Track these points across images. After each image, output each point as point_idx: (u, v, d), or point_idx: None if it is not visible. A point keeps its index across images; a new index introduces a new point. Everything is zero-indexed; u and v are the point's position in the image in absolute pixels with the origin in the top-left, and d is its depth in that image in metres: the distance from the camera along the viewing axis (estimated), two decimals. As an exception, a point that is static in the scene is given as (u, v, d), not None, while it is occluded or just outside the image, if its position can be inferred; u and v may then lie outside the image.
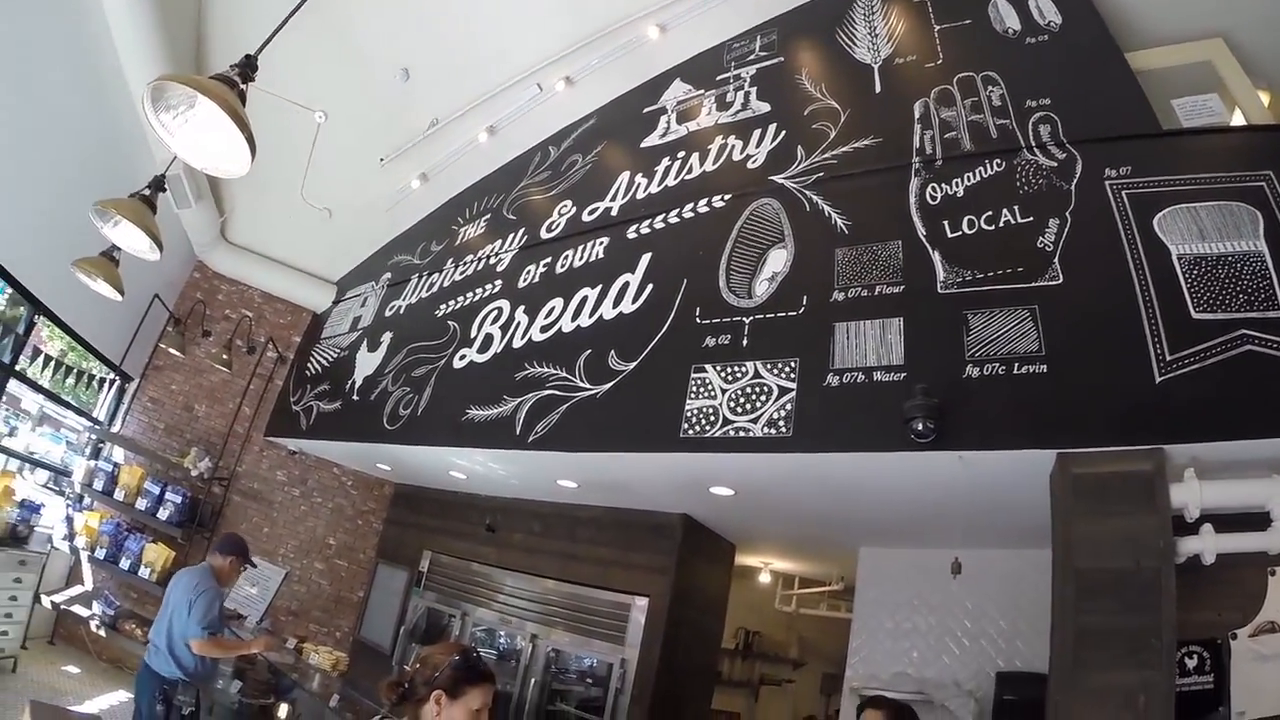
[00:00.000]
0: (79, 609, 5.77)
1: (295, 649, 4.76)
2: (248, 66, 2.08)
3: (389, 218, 6.85)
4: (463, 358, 4.95)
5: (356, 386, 6.07)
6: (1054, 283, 2.64)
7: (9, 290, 5.10)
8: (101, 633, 5.68)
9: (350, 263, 7.46)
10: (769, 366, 3.13)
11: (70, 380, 6.35)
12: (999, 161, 3.05)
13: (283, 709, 4.13)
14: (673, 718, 4.47)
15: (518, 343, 4.53)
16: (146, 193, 3.15)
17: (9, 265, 4.71)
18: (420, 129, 5.69)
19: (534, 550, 5.35)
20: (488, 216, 5.90)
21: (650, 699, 4.24)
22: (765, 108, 4.22)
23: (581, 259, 4.54)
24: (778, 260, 3.44)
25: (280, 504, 7.02)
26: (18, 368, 5.38)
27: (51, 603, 5.66)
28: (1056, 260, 2.67)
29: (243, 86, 2.04)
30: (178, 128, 2.06)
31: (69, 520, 6.13)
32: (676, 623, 4.43)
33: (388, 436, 5.27)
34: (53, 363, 6.01)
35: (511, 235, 5.38)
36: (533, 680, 4.75)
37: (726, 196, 3.94)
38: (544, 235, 5.02)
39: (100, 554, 5.94)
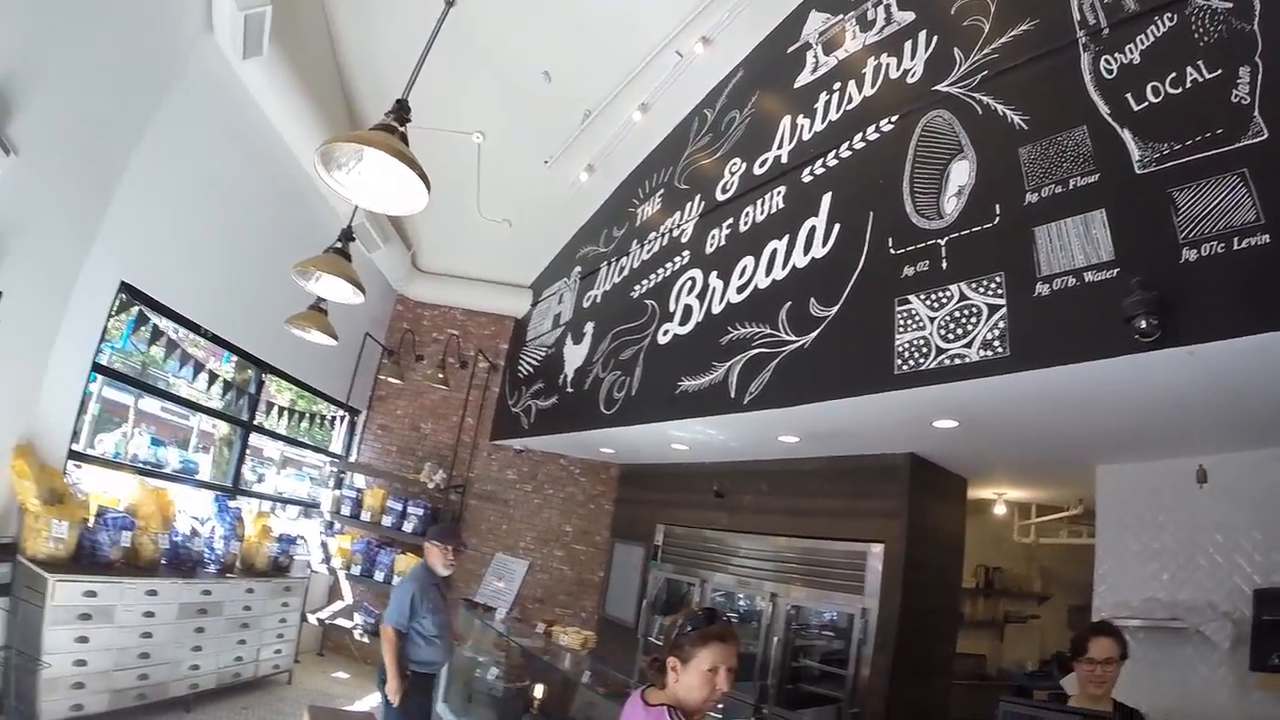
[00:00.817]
0: (342, 621, 7.24)
1: (544, 632, 5.32)
2: (402, 110, 2.46)
3: (567, 214, 7.66)
4: (666, 333, 5.46)
5: (569, 379, 6.87)
6: (1258, 139, 2.53)
7: (234, 359, 6.66)
8: (365, 639, 7.10)
9: (540, 264, 8.42)
10: (973, 286, 3.24)
11: (304, 423, 8.01)
12: (1169, 15, 2.92)
13: (538, 688, 4.55)
14: (917, 665, 4.65)
15: (717, 308, 4.93)
16: (339, 245, 3.82)
17: (232, 338, 6.00)
18: (575, 124, 6.28)
19: (763, 510, 5.81)
20: (661, 192, 6.41)
21: (894, 647, 4.46)
22: (909, 17, 4.29)
23: (763, 213, 4.87)
24: (961, 173, 3.54)
25: (514, 501, 8.15)
26: (256, 422, 6.89)
27: (317, 620, 7.17)
28: (1256, 113, 2.55)
29: (401, 129, 2.40)
30: (352, 181, 2.47)
31: (324, 546, 7.61)
32: (914, 566, 4.61)
33: (606, 421, 5.93)
34: (285, 412, 7.63)
35: (688, 204, 5.85)
36: (775, 639, 5.18)
37: (893, 118, 4.07)
38: (720, 198, 5.42)
39: (355, 570, 7.42)
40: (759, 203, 4.97)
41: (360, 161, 2.43)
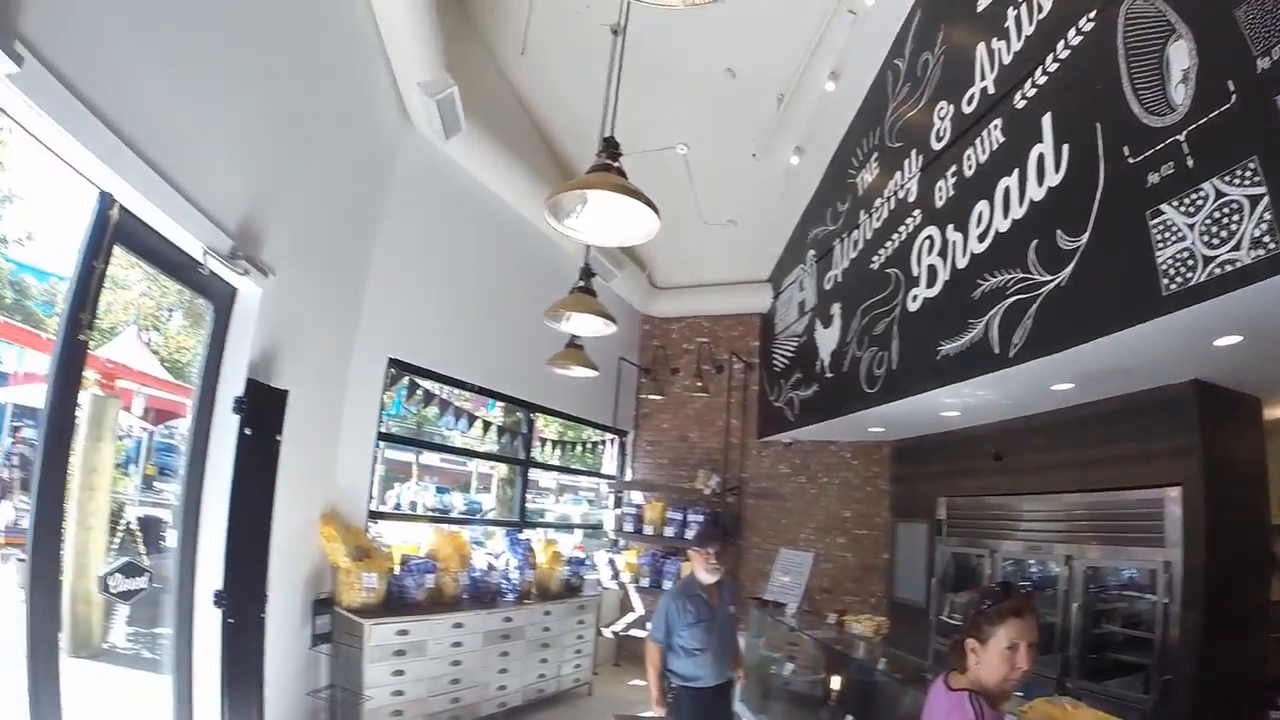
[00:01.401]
0: (635, 632, 8.04)
1: (836, 622, 5.50)
2: (611, 146, 2.70)
3: (787, 200, 7.95)
4: (915, 299, 5.52)
5: (825, 364, 7.10)
6: None
7: (500, 405, 7.80)
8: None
9: (772, 256, 8.82)
10: (1226, 179, 3.05)
11: (576, 451, 9.20)
12: None
13: (834, 680, 4.75)
14: (1230, 619, 4.33)
15: (961, 262, 4.92)
16: (581, 284, 4.28)
17: (496, 386, 7.00)
18: (771, 110, 6.55)
19: (1045, 468, 5.65)
20: (875, 155, 6.47)
21: (1202, 601, 4.20)
22: (1072, -95, 3.98)
23: (984, 152, 4.80)
24: (1180, 55, 3.34)
25: (790, 494, 8.58)
26: (531, 458, 7.92)
27: (611, 633, 8.06)
28: None
29: (616, 164, 2.63)
30: (584, 224, 2.76)
31: (611, 563, 8.47)
32: (1217, 506, 4.33)
33: (870, 400, 6.08)
34: (556, 444, 8.83)
35: (906, 161, 5.88)
36: (1074, 605, 5.01)
37: (1091, 15, 3.90)
38: (936, 146, 5.41)
39: (644, 583, 8.21)
40: (977, 142, 4.89)
41: (584, 205, 2.73)
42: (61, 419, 2.95)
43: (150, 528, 6.64)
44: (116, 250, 3.13)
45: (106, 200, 3.02)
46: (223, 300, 4.13)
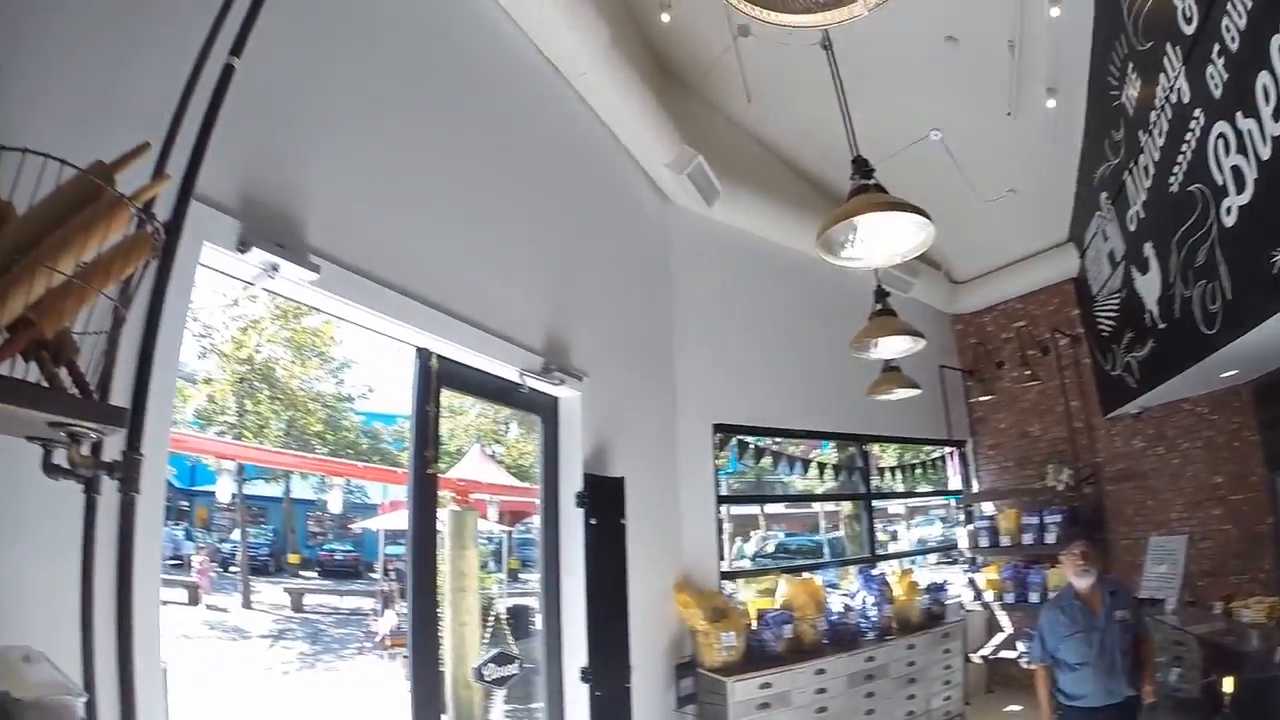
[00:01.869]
0: (1005, 654, 7.68)
1: (1223, 611, 5.10)
2: (861, 165, 2.83)
3: (1058, 147, 7.72)
4: (1228, 211, 5.01)
5: (1154, 315, 6.57)
6: None
7: (832, 445, 8.11)
8: (1031, 667, 7.49)
9: (1064, 211, 8.64)
10: None
11: (916, 473, 9.25)
12: None
13: (1227, 682, 4.42)
14: None
15: (1264, 151, 4.44)
16: (879, 307, 4.38)
17: (822, 427, 7.39)
18: (1006, 61, 6.39)
19: None
20: (1130, 65, 6.08)
21: None
22: None
23: (1240, 14, 4.39)
24: None
25: (1151, 471, 7.89)
26: (873, 490, 8.05)
27: (980, 658, 7.76)
28: None
29: (872, 181, 2.75)
30: (860, 251, 2.86)
31: (971, 582, 8.27)
32: None
33: (1212, 342, 5.57)
34: (895, 470, 8.95)
35: (1164, 60, 5.48)
36: None
37: None
38: (1188, 29, 5.03)
39: (1008, 599, 7.88)
40: (1229, 6, 4.46)
41: (856, 231, 2.84)
42: (424, 538, 3.75)
43: (519, 615, 7.74)
44: (444, 391, 3.89)
45: (424, 354, 3.81)
46: (547, 410, 4.85)
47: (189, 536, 18.83)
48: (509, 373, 4.30)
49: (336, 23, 3.41)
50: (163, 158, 2.02)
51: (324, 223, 3.15)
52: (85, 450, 1.64)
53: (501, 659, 4.32)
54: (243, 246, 2.70)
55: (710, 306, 6.71)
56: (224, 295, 14.19)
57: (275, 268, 2.82)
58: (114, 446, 1.89)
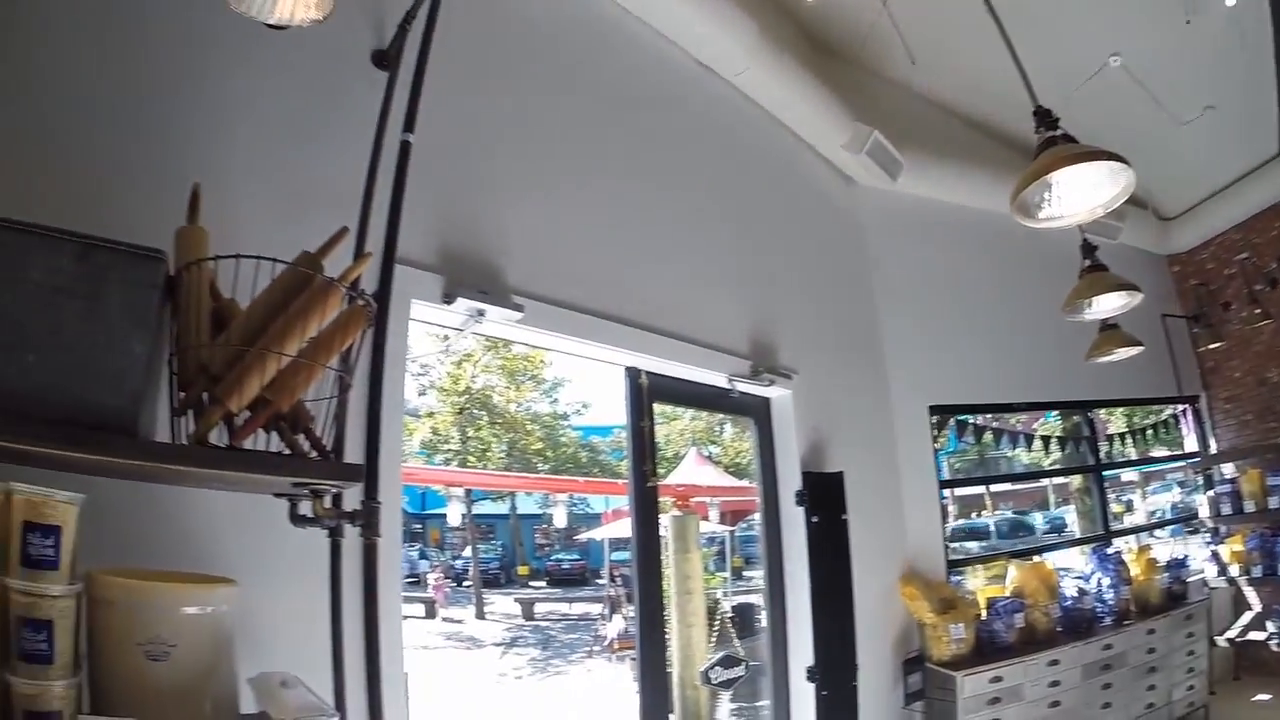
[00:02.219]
0: (1253, 635, 6.82)
1: None
2: (1044, 116, 2.70)
3: (1248, 50, 6.91)
4: None
5: None
6: None
7: (1056, 414, 7.51)
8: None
9: (1270, 121, 7.66)
10: None
11: (1148, 436, 8.41)
12: None
13: None
14: None
15: None
16: (1088, 263, 4.12)
17: (1042, 397, 7.06)
18: None
19: None
20: None
21: None
22: None
23: None
24: None
25: None
26: (1102, 460, 7.46)
27: (1227, 641, 6.92)
28: None
29: (1059, 132, 2.61)
30: (1058, 208, 2.75)
31: (1214, 556, 7.41)
32: None
33: None
34: (1125, 436, 8.14)
35: None
36: None
37: None
38: None
39: (1255, 572, 6.97)
40: None
41: (1050, 189, 2.71)
42: (648, 547, 3.92)
43: (745, 614, 7.79)
44: (656, 404, 4.02)
45: (633, 373, 3.96)
46: (759, 412, 4.88)
47: (423, 556, 20.32)
48: (718, 380, 4.36)
49: (500, 74, 3.58)
50: (361, 235, 2.26)
51: (522, 263, 3.35)
52: (328, 503, 1.88)
53: (728, 661, 4.41)
54: (448, 299, 2.93)
55: (913, 285, 6.46)
56: (437, 335, 15.28)
57: (481, 313, 3.05)
58: (353, 496, 2.12)
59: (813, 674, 4.53)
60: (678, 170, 4.55)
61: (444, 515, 18.78)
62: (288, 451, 1.76)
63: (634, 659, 3.86)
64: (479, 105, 3.40)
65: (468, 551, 18.53)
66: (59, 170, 2.05)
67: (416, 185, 2.15)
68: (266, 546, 2.19)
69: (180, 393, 1.68)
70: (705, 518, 8.99)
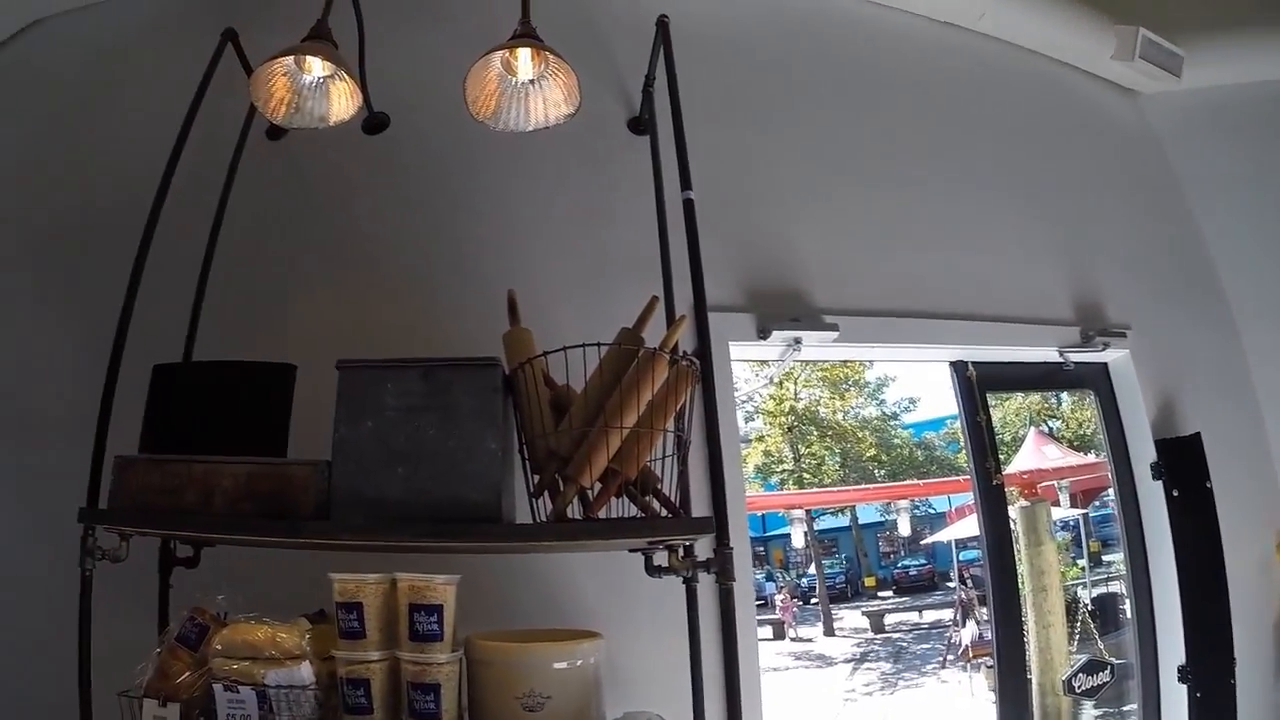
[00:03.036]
0: None
1: None
2: None
3: None
4: None
5: None
6: None
7: None
8: None
9: None
10: None
11: None
12: None
13: None
14: None
15: None
16: None
17: None
18: None
19: None
20: None
21: None
22: None
23: None
24: None
25: None
26: None
27: None
28: None
29: None
30: None
31: None
32: None
33: None
34: None
35: None
36: None
37: None
38: None
39: None
40: None
41: None
42: (999, 547, 3.66)
43: (1107, 606, 6.95)
44: (988, 394, 3.80)
45: (960, 366, 3.76)
46: (1098, 380, 4.39)
47: (769, 578, 20.45)
48: (1048, 355, 4.00)
49: (751, 100, 3.58)
50: (668, 294, 2.36)
51: (827, 281, 3.32)
52: (681, 555, 1.99)
53: (1091, 667, 4.01)
54: (763, 334, 3.02)
55: (1240, 193, 5.46)
56: (754, 362, 15.59)
57: (798, 340, 3.07)
58: (704, 542, 2.19)
59: (1185, 673, 3.94)
60: (953, 144, 4.26)
61: (787, 536, 18.92)
62: (639, 514, 1.88)
63: (990, 666, 3.60)
64: (742, 137, 3.42)
65: (812, 569, 18.50)
66: (398, 305, 2.28)
67: (707, 233, 2.16)
68: (624, 596, 2.40)
69: (534, 476, 1.86)
70: (1055, 502, 8.23)
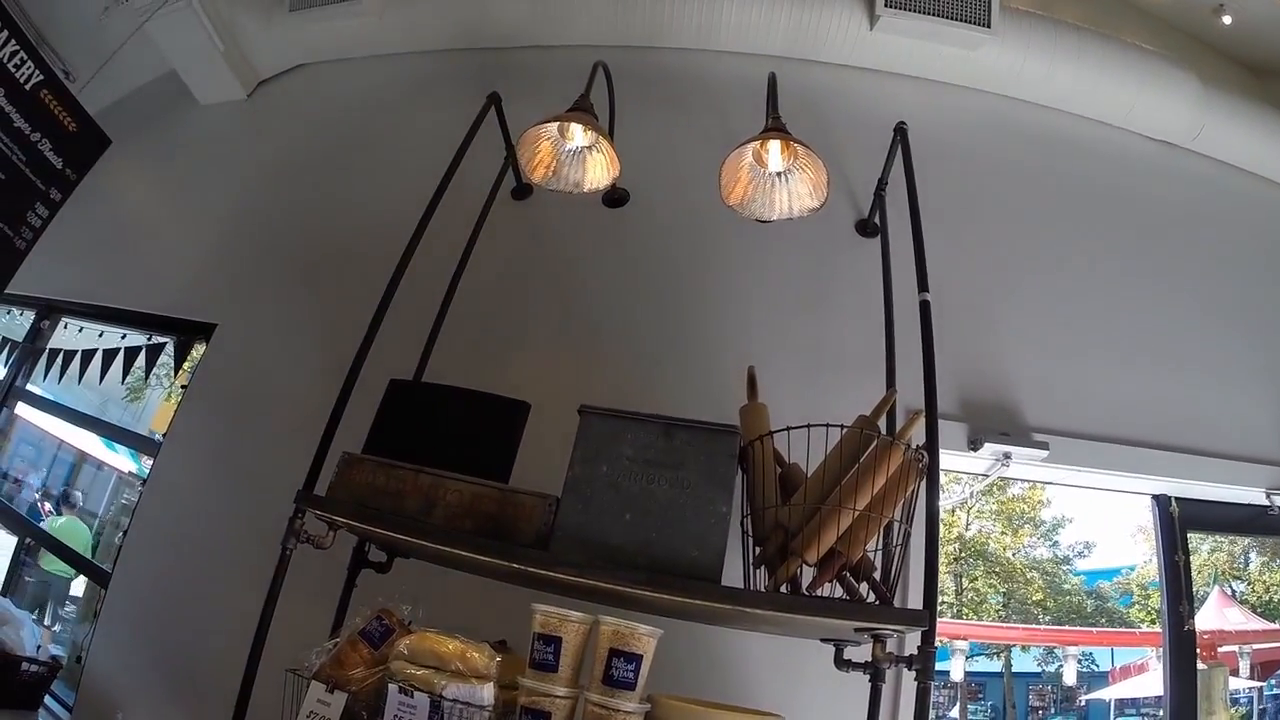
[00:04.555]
0: None
1: None
2: None
3: None
4: None
5: None
6: None
7: None
8: None
9: None
10: None
11: None
12: None
13: None
14: None
15: None
16: None
17: None
18: None
19: None
20: None
21: None
22: None
23: None
24: None
25: None
26: None
27: None
28: None
29: None
30: None
31: None
32: None
33: None
34: None
35: None
36: None
37: None
38: None
39: None
40: None
41: None
42: (1183, 702, 3.36)
43: None
44: (1189, 534, 3.57)
45: (1163, 501, 3.57)
46: None
47: (922, 714, 19.37)
48: (1253, 496, 3.72)
49: (977, 215, 3.64)
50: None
51: (1041, 399, 3.27)
52: (889, 647, 1.90)
53: None
54: (973, 445, 3.01)
55: None
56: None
57: (1007, 455, 3.03)
58: (898, 641, 2.17)
59: None
60: (1167, 266, 4.09)
61: (946, 671, 17.86)
62: (849, 598, 1.86)
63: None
64: (966, 249, 3.47)
65: (954, 711, 17.30)
66: (620, 366, 2.40)
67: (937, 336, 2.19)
68: (801, 687, 2.37)
69: (757, 547, 1.88)
70: (1234, 670, 7.57)
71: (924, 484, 1.88)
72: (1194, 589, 4.07)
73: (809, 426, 1.82)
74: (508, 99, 2.92)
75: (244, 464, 3.17)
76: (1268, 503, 3.65)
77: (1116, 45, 4.17)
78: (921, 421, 1.94)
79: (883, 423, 2.05)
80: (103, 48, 4.20)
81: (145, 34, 4.05)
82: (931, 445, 1.93)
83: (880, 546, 1.92)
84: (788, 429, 1.90)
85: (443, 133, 2.86)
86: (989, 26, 3.59)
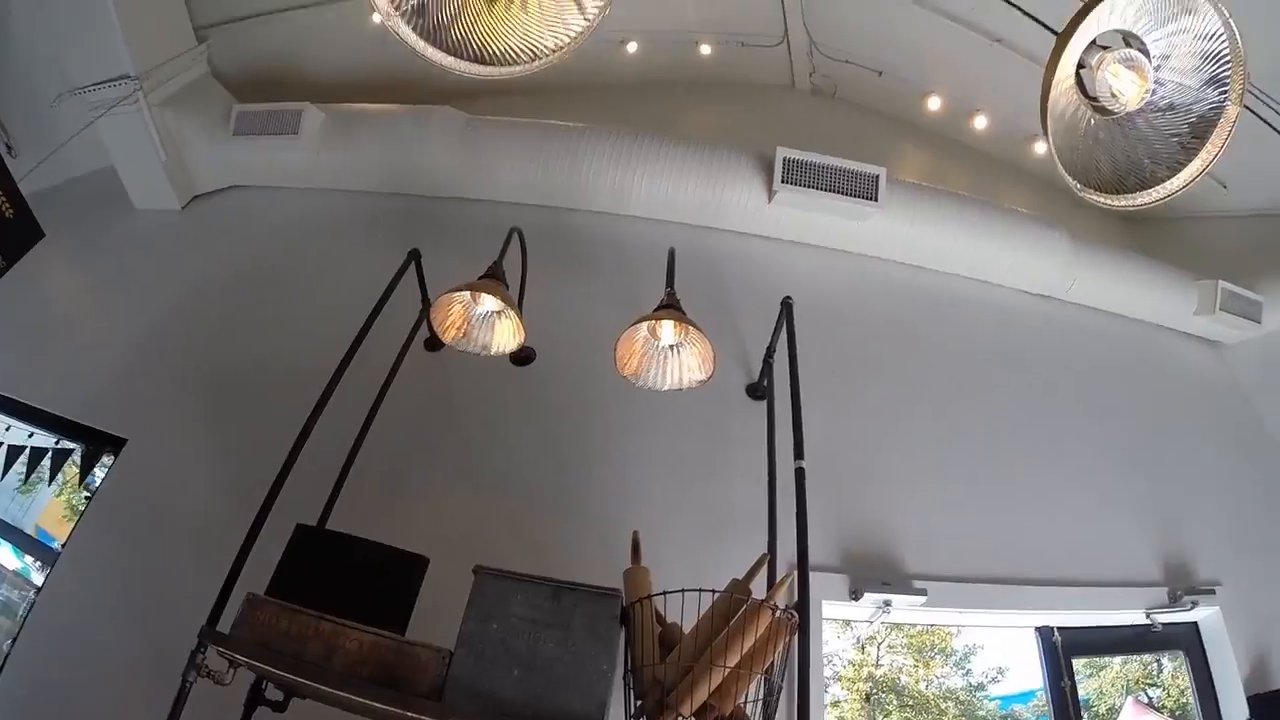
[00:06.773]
0: None
1: None
2: None
3: None
4: None
5: None
6: None
7: None
8: None
9: None
10: None
11: None
12: None
13: None
14: None
15: None
16: None
17: None
18: None
19: None
20: None
21: None
22: None
23: None
24: None
25: None
26: None
27: None
28: None
29: None
30: None
31: None
32: None
33: None
34: None
35: None
36: None
37: None
38: None
39: None
40: None
41: None
42: None
43: None
44: (1074, 660, 3.82)
45: (1045, 632, 3.81)
46: (1187, 640, 4.26)
47: None
48: (1134, 618, 3.98)
49: (856, 376, 3.88)
50: (771, 550, 2.54)
51: (920, 546, 3.47)
52: None
53: None
54: (854, 595, 3.20)
55: None
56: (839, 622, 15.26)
57: (887, 603, 3.26)
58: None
59: None
60: (1042, 410, 4.39)
61: None
62: None
63: None
64: (850, 407, 3.70)
65: None
66: (520, 522, 2.53)
67: (809, 495, 2.37)
68: None
69: (637, 701, 2.01)
70: None
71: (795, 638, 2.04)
72: (1104, 706, 4.18)
73: (683, 591, 1.98)
74: (429, 247, 3.09)
75: (145, 587, 3.12)
76: (1148, 621, 3.89)
77: (995, 211, 4.56)
78: (794, 580, 2.09)
79: (764, 578, 2.20)
80: (49, 130, 4.31)
81: (93, 128, 4.15)
82: (803, 601, 2.08)
83: (758, 697, 2.05)
84: (664, 593, 2.05)
85: (364, 270, 3.03)
86: (876, 200, 3.95)
